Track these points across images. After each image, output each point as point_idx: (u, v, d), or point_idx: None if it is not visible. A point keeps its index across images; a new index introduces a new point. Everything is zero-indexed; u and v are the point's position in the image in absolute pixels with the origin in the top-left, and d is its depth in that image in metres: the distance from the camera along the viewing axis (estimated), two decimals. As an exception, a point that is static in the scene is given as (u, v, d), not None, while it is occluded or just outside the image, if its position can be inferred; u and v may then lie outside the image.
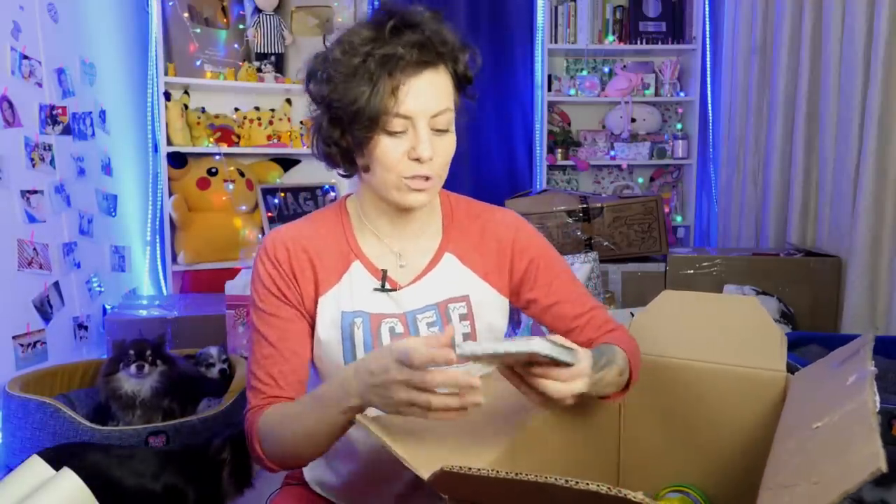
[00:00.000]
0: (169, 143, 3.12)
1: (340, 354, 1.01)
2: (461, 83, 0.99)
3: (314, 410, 0.91)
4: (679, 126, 3.90)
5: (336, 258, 1.03)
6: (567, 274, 1.10)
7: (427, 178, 0.96)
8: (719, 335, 1.10)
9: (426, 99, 0.93)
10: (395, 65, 0.90)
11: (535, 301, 1.08)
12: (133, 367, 1.86)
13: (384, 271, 1.03)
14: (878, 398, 0.54)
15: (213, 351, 2.18)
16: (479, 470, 0.63)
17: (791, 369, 1.04)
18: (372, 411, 0.84)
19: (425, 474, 0.70)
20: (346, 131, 0.95)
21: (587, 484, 0.56)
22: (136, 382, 1.87)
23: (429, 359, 0.75)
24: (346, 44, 0.92)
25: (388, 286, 1.03)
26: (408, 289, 1.03)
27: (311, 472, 1.14)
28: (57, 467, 1.34)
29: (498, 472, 0.61)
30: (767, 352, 1.05)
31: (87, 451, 1.47)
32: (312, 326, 1.03)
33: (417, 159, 0.94)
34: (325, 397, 0.89)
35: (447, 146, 0.98)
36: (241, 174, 3.29)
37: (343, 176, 1.04)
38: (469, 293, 1.05)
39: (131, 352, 1.88)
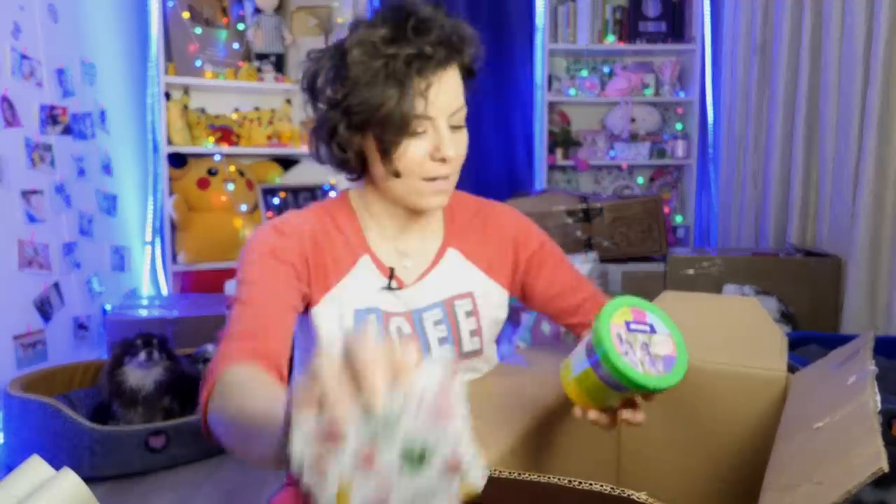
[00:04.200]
0: (169, 143, 3.12)
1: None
2: (469, 77, 0.97)
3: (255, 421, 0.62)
4: (679, 126, 3.89)
5: (344, 251, 1.00)
6: (566, 262, 1.12)
7: (447, 178, 0.95)
8: (719, 335, 1.10)
9: (448, 97, 0.90)
10: (425, 64, 0.87)
11: (539, 291, 1.09)
12: (142, 355, 1.86)
13: (391, 269, 1.01)
14: (878, 398, 0.55)
15: (210, 348, 2.18)
16: (481, 470, 0.63)
17: (791, 369, 1.03)
18: None
19: None
20: (373, 136, 0.91)
21: (590, 484, 0.56)
22: (141, 375, 1.88)
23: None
24: (368, 45, 0.86)
25: (394, 284, 1.01)
26: (413, 287, 1.02)
27: None
28: None
29: (500, 471, 0.61)
30: (768, 352, 1.05)
31: None
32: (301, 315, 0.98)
33: (442, 159, 0.91)
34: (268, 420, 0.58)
35: (464, 143, 0.96)
36: (241, 174, 3.30)
37: (350, 179, 1.01)
38: (473, 289, 1.05)
39: (138, 341, 1.89)
